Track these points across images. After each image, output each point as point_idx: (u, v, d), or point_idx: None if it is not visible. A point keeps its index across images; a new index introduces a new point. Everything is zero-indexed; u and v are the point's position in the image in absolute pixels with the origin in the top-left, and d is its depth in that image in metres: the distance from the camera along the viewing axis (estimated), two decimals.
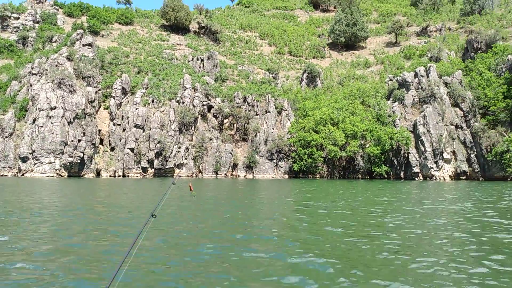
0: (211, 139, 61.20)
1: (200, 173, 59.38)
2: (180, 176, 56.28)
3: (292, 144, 59.65)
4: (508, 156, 52.40)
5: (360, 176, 59.06)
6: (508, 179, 53.10)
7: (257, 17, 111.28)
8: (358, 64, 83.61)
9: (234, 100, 64.77)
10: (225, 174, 59.05)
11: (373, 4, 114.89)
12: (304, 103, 64.44)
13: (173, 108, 60.94)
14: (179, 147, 58.64)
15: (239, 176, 59.51)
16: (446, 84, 62.93)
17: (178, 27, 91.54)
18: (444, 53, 72.28)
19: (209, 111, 64.48)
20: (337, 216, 14.35)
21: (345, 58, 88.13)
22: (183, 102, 62.03)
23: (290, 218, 14.06)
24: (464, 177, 56.38)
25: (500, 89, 57.67)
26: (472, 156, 57.06)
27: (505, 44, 66.11)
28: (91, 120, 58.19)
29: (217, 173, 58.94)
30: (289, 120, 64.19)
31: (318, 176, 58.88)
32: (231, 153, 60.12)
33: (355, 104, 62.88)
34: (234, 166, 60.36)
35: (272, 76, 75.55)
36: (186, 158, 58.93)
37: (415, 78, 64.34)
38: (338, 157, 57.67)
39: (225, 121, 64.40)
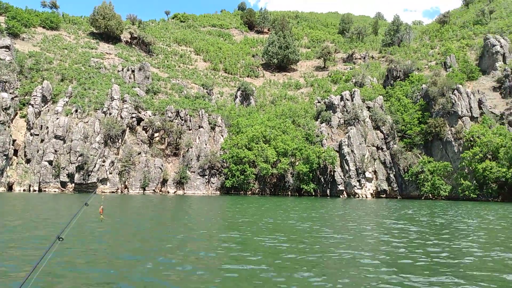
0: (139, 153, 58.70)
1: (126, 189, 56.41)
2: (103, 192, 52.91)
3: (225, 160, 59.37)
4: (422, 177, 57.13)
5: (289, 193, 60.34)
6: (423, 197, 57.72)
7: (193, 32, 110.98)
8: (290, 85, 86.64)
9: (166, 114, 63.12)
10: (154, 190, 56.77)
11: (304, 30, 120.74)
12: (237, 120, 64.84)
13: (99, 119, 57.63)
14: (104, 161, 55.33)
15: (168, 192, 57.55)
16: (368, 108, 67.45)
17: (108, 36, 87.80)
18: (367, 79, 77.79)
19: (138, 124, 62.02)
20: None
21: (278, 79, 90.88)
22: (110, 113, 58.99)
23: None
24: (384, 195, 60.21)
25: (416, 115, 63.18)
26: (391, 175, 61.31)
27: (420, 74, 73.01)
28: (5, 129, 52.77)
29: (144, 189, 56.45)
30: (222, 136, 63.99)
31: (250, 192, 59.06)
32: (161, 168, 58.09)
33: (286, 123, 64.71)
34: (164, 181, 58.32)
35: (207, 92, 75.23)
36: (111, 173, 55.69)
37: (341, 101, 68.13)
38: (270, 174, 58.48)
39: (156, 135, 62.35)
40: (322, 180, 61.40)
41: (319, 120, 67.36)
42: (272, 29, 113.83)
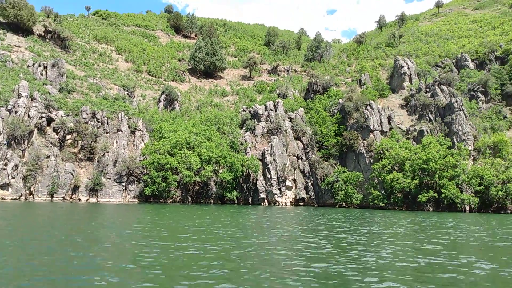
0: (48, 157, 53.75)
1: (31, 196, 51.19)
2: (3, 199, 47.43)
3: (145, 166, 56.88)
4: (337, 186, 60.44)
5: (212, 201, 59.72)
6: (337, 205, 60.98)
7: (115, 31, 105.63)
8: (216, 92, 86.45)
9: (81, 115, 58.83)
10: (63, 197, 52.28)
11: (232, 39, 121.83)
12: (160, 125, 62.73)
13: (2, 118, 51.75)
14: (6, 164, 49.68)
15: (80, 200, 53.40)
16: (290, 119, 69.87)
17: (18, 27, 79.79)
18: (290, 91, 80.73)
19: (48, 124, 56.87)
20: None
21: (204, 85, 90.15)
22: (16, 112, 53.35)
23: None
24: (302, 203, 62.50)
25: (333, 127, 66.88)
26: (310, 184, 63.95)
27: (337, 89, 77.68)
28: None
29: (52, 196, 51.73)
30: (143, 141, 61.35)
31: (171, 200, 57.25)
32: (72, 174, 53.77)
33: (211, 130, 64.21)
34: (75, 188, 54.00)
35: (128, 94, 71.80)
36: (13, 178, 50.17)
37: (265, 111, 69.63)
38: (192, 181, 57.33)
39: (68, 137, 57.69)
40: (245, 188, 61.86)
41: (243, 128, 68.00)
42: (200, 34, 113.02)
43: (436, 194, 53.68)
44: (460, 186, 54.94)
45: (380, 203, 57.06)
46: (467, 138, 60.04)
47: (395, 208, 56.02)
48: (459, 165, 54.87)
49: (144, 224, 21.40)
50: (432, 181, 55.07)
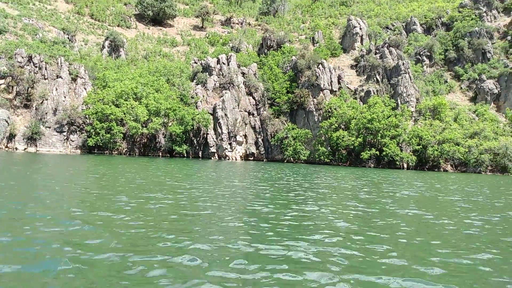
0: None
1: None
2: None
3: (87, 116, 53.90)
4: (286, 142, 61.63)
5: (160, 154, 58.57)
6: (285, 161, 62.49)
7: None
8: (165, 42, 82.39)
9: (15, 58, 53.71)
10: None
11: None
12: (104, 73, 59.08)
13: None
14: None
15: (17, 149, 49.98)
16: (243, 74, 68.76)
17: None
18: (244, 45, 78.85)
19: None
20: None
21: (152, 33, 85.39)
22: None
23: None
24: (252, 158, 63.31)
25: (285, 85, 66.94)
26: (260, 140, 64.58)
27: (291, 46, 77.06)
28: None
29: None
30: (85, 89, 57.70)
31: (116, 152, 55.31)
32: (7, 121, 49.78)
33: (160, 81, 61.66)
34: (11, 137, 50.30)
35: (68, 38, 66.35)
36: None
37: (217, 64, 67.77)
38: (140, 133, 55.51)
39: (1, 82, 52.78)
40: (195, 142, 61.15)
41: (195, 81, 66.03)
42: None
43: (378, 152, 56.59)
44: (400, 145, 58.24)
45: (326, 159, 59.26)
46: (410, 100, 63.02)
47: (339, 164, 58.52)
48: (401, 125, 57.86)
49: (85, 175, 20.42)
50: (375, 140, 57.82)
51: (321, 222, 9.72)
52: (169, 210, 10.39)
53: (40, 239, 6.65)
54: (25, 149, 50.38)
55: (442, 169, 57.87)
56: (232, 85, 64.70)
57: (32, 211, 9.19)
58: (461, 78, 73.26)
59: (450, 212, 13.09)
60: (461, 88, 72.78)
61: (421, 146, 57.43)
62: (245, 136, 63.52)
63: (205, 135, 61.07)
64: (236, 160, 60.72)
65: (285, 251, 6.62)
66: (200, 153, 60.99)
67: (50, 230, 7.34)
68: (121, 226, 8.02)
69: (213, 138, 60.69)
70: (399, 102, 62.35)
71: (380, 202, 14.53)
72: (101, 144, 53.21)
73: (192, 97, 62.44)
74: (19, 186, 13.69)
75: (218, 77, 66.38)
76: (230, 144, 60.78)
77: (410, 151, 58.59)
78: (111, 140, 53.23)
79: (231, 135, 60.89)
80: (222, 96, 62.84)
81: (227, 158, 60.23)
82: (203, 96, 63.99)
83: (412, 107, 62.96)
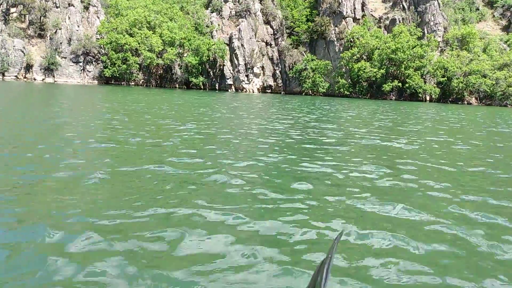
0: None
1: None
2: None
3: (102, 46, 52.87)
4: (305, 74, 59.87)
5: (177, 86, 58.01)
6: (303, 94, 61.27)
7: None
8: None
9: None
10: (16, 76, 48.70)
11: None
12: (116, 0, 56.80)
13: None
14: None
15: (35, 79, 50.06)
16: (260, 1, 65.17)
17: None
18: None
19: None
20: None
21: None
22: None
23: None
24: (269, 91, 62.22)
25: (304, 12, 63.47)
26: (277, 72, 62.91)
27: None
28: None
29: (4, 75, 48.01)
30: (98, 18, 56.01)
31: (133, 83, 54.96)
32: (22, 51, 49.33)
33: (173, 9, 59.15)
34: (29, 67, 50.14)
35: None
36: None
37: None
38: (155, 64, 54.56)
39: (12, 10, 51.46)
40: (211, 74, 60.03)
41: (209, 9, 63.14)
42: None
43: (400, 84, 54.67)
44: (424, 76, 55.98)
45: (346, 92, 57.77)
46: (438, 29, 59.34)
47: (359, 97, 57.10)
48: (426, 56, 55.08)
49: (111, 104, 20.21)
50: (398, 71, 55.56)
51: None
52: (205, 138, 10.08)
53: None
54: (43, 79, 50.43)
55: (466, 102, 55.98)
56: (248, 12, 61.71)
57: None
58: (494, 5, 68.01)
59: None
60: (494, 16, 67.85)
61: (445, 78, 55.09)
62: (263, 67, 61.85)
63: (221, 67, 59.70)
64: (253, 92, 59.80)
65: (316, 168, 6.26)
66: (216, 85, 60.10)
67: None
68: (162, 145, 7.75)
69: (229, 70, 59.36)
70: (426, 32, 58.81)
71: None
72: (117, 75, 52.77)
73: (207, 26, 60.12)
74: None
75: (234, 4, 63.21)
76: (247, 76, 59.48)
77: (433, 83, 56.40)
78: (127, 71, 52.64)
79: (248, 66, 59.35)
80: (238, 25, 60.27)
81: (244, 90, 59.32)
82: (219, 25, 61.51)
83: (439, 36, 59.43)
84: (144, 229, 3.25)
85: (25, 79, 49.63)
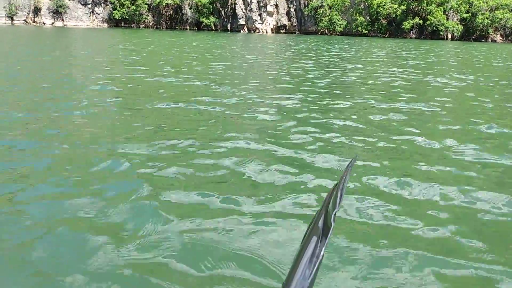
0: None
1: None
2: None
3: None
4: (321, 11, 57.15)
5: (188, 27, 56.39)
6: (319, 33, 58.99)
7: None
8: None
9: None
10: (25, 20, 47.87)
11: None
12: None
13: None
14: None
15: (44, 23, 49.17)
16: None
17: None
18: None
19: None
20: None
21: None
22: None
23: None
24: (284, 31, 60.01)
25: None
26: (292, 10, 60.13)
27: None
28: None
29: (13, 19, 47.20)
30: None
31: (143, 25, 53.59)
32: None
33: None
34: (37, 10, 49.04)
35: None
36: None
37: None
38: (164, 4, 52.69)
39: None
40: (223, 14, 57.87)
41: None
42: None
43: (421, 21, 51.99)
44: (446, 13, 52.94)
45: (364, 30, 55.35)
46: None
47: (378, 35, 54.80)
48: None
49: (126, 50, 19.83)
50: (420, 7, 52.58)
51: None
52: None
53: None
54: (52, 23, 49.51)
55: (490, 40, 53.29)
56: None
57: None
58: None
59: None
60: None
61: (469, 14, 52.04)
62: (276, 5, 59.15)
63: (233, 6, 57.32)
64: (266, 33, 57.84)
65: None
66: (228, 26, 58.16)
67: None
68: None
69: (241, 9, 57.02)
70: None
71: None
72: (127, 17, 51.36)
73: None
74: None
75: None
76: (260, 15, 57.18)
77: (456, 19, 53.42)
78: (137, 12, 51.10)
79: (261, 4, 56.83)
80: None
81: (257, 31, 57.36)
82: None
83: None
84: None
85: (34, 23, 48.82)
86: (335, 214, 0.52)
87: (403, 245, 2.32)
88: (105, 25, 52.16)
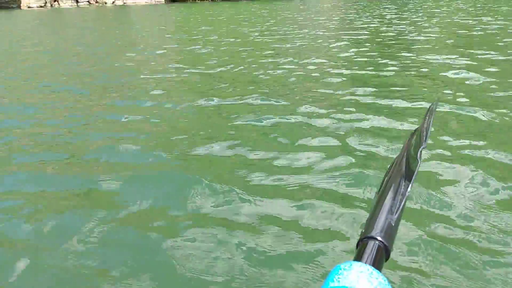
0: None
1: (57, 2, 49.06)
2: (29, 7, 45.89)
3: None
4: None
5: None
6: None
7: None
8: None
9: None
10: (88, 1, 49.87)
11: None
12: None
13: None
14: None
15: (105, 3, 50.93)
16: None
17: None
18: None
19: None
20: None
21: None
22: None
23: None
24: None
25: None
26: None
27: None
28: None
29: (78, 1, 49.38)
30: None
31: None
32: None
33: None
34: None
35: None
36: None
37: None
38: None
39: None
40: None
41: None
42: None
43: None
44: None
45: None
46: None
47: None
48: None
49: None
50: None
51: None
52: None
53: None
54: (113, 2, 51.12)
55: None
56: None
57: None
58: None
59: None
60: None
61: None
62: None
63: None
64: None
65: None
66: None
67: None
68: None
69: None
70: None
71: None
72: None
73: None
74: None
75: None
76: None
77: None
78: None
79: None
80: None
81: None
82: None
83: None
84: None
85: (97, 4, 50.71)
86: (421, 152, 0.51)
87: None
88: (162, 1, 52.88)
